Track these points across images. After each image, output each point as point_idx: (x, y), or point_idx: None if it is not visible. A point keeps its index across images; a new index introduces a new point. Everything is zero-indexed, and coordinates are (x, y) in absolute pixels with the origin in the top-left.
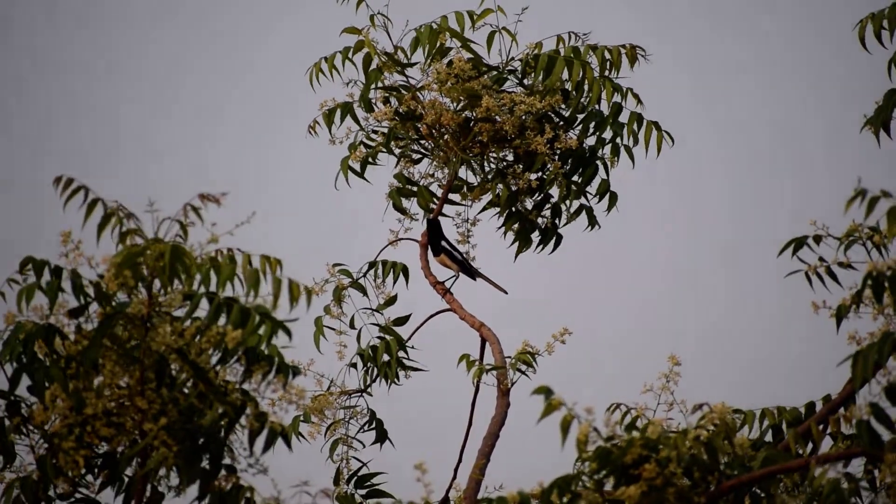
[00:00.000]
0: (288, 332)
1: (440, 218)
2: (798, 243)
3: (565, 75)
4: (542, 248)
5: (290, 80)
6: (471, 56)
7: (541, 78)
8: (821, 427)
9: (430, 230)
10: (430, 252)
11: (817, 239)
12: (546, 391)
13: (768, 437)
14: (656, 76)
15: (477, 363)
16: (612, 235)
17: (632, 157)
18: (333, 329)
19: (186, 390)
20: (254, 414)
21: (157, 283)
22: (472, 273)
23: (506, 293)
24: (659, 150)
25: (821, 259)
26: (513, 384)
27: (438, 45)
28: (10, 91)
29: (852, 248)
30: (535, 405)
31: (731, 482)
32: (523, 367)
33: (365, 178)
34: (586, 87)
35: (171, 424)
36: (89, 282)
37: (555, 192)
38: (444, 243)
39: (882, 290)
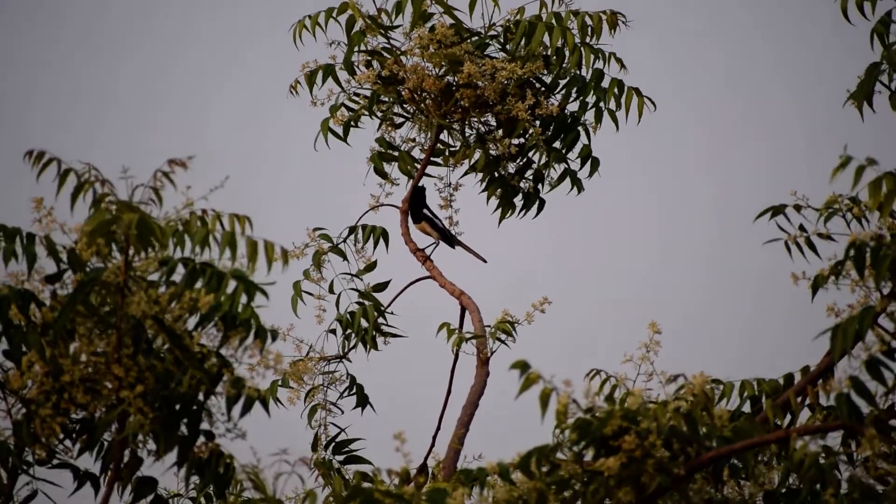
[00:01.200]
0: (265, 294)
1: (424, 182)
2: (776, 210)
3: (547, 41)
4: (526, 213)
5: (271, 41)
6: (453, 22)
7: (522, 44)
8: (799, 399)
9: (412, 196)
10: (410, 219)
11: (797, 208)
12: (523, 365)
13: (746, 408)
14: (639, 43)
15: (457, 332)
16: (594, 203)
17: (615, 121)
18: (312, 295)
19: (163, 356)
20: (230, 380)
21: (132, 250)
22: (452, 241)
23: (485, 262)
24: (640, 115)
25: (801, 228)
26: (492, 353)
27: (421, 10)
28: None
29: (832, 220)
30: (515, 374)
31: (711, 454)
32: (503, 337)
33: (345, 141)
34: (567, 53)
35: (148, 391)
36: (63, 248)
37: (537, 158)
38: (425, 210)
39: (863, 261)
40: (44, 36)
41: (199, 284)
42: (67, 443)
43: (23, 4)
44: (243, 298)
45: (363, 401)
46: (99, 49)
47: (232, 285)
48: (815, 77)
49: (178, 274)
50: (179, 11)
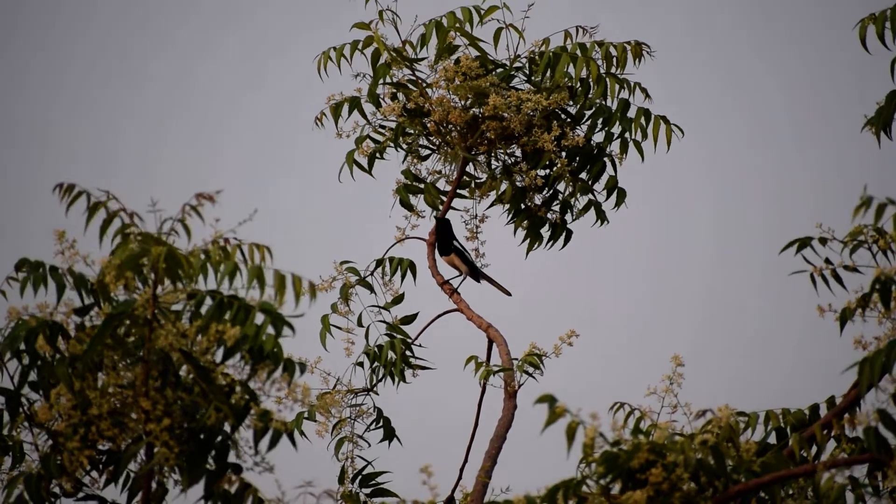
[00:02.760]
0: (291, 327)
1: (449, 215)
2: (802, 243)
3: (571, 71)
4: (553, 244)
5: (296, 74)
6: (478, 54)
7: (547, 75)
8: (825, 432)
9: (439, 229)
10: (437, 251)
11: (822, 241)
12: (550, 399)
13: (772, 439)
14: (664, 72)
15: (484, 365)
16: (620, 235)
17: (641, 152)
18: (340, 328)
19: (191, 389)
20: (258, 413)
21: (162, 282)
22: (478, 275)
23: (509, 295)
24: (669, 143)
25: (827, 261)
26: (520, 386)
27: (446, 42)
28: (11, 89)
29: (857, 252)
30: (542, 407)
31: (738, 487)
32: (530, 370)
33: (370, 173)
34: (592, 84)
35: (175, 424)
36: (91, 282)
37: (563, 188)
38: (455, 243)
39: (889, 295)
40: (59, 58)
41: (226, 317)
42: (94, 474)
43: (31, 25)
44: (270, 331)
45: (390, 434)
46: (113, 75)
47: (259, 318)
48: (831, 105)
49: (206, 306)
50: (202, 37)
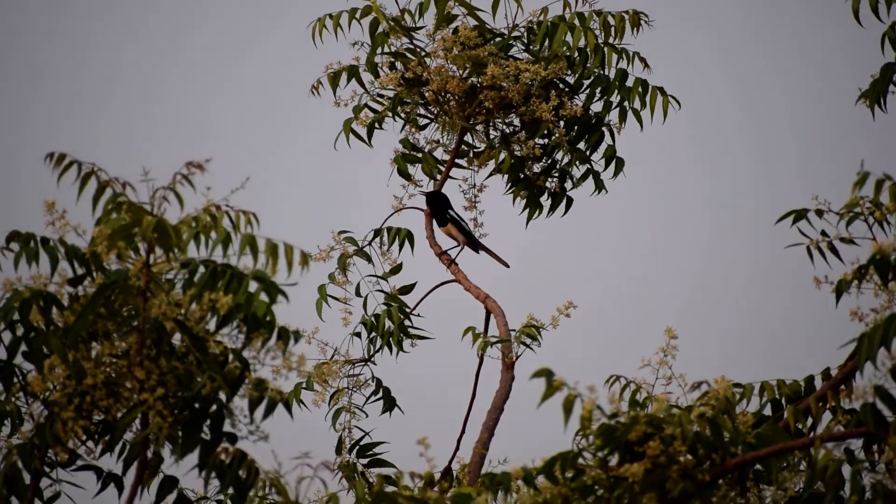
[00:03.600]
0: (285, 295)
1: (447, 184)
2: (798, 215)
3: (569, 41)
4: (553, 212)
5: (292, 42)
6: (476, 23)
7: (542, 45)
8: (820, 404)
9: (437, 200)
10: (434, 222)
11: (819, 213)
12: (547, 373)
13: (767, 410)
14: (662, 43)
15: (482, 336)
16: (617, 205)
17: (640, 121)
18: (337, 298)
19: (185, 359)
20: (253, 382)
21: (154, 251)
22: (476, 246)
23: (507, 266)
24: (665, 115)
25: (823, 233)
26: (517, 357)
27: (445, 12)
28: None
29: (853, 224)
30: (540, 379)
31: (736, 460)
32: (528, 341)
33: (366, 142)
34: (590, 53)
35: (169, 394)
36: (83, 252)
37: (561, 157)
38: (451, 213)
39: (887, 271)
40: (44, 34)
41: (219, 285)
42: (89, 444)
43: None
44: (264, 298)
45: (391, 404)
46: (104, 49)
47: (253, 287)
48: (826, 77)
49: (199, 274)
50: (196, 7)
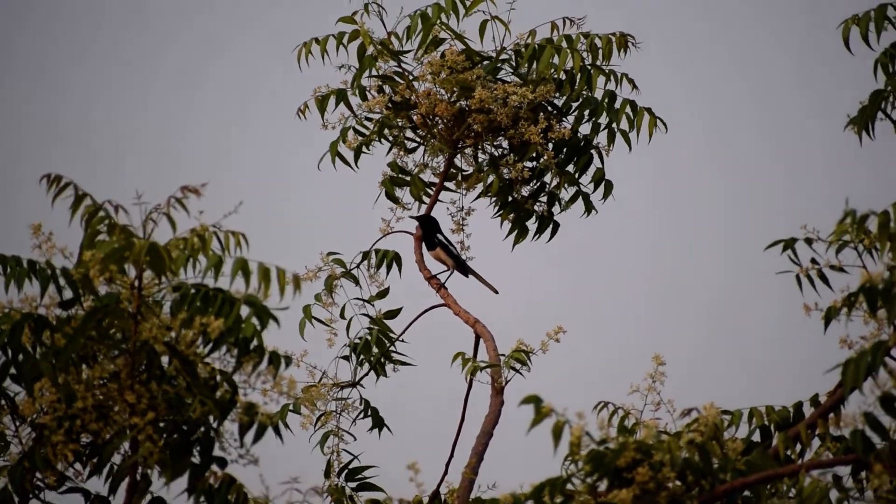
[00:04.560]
0: (276, 320)
1: (436, 207)
2: (787, 244)
3: (557, 63)
4: (540, 237)
5: (279, 62)
6: (464, 47)
7: (530, 67)
8: (809, 431)
9: (426, 224)
10: (424, 246)
11: (808, 241)
12: (535, 400)
13: (756, 437)
14: (652, 65)
15: (471, 360)
16: (604, 231)
17: (628, 142)
18: (321, 321)
19: (175, 383)
20: (243, 406)
21: (144, 274)
22: (466, 270)
23: (496, 293)
24: (650, 135)
25: (813, 261)
26: (507, 382)
27: (431, 36)
28: None
29: (842, 251)
30: (529, 404)
31: (725, 486)
32: (517, 366)
33: (351, 165)
34: (578, 76)
35: (160, 417)
36: (77, 273)
37: (550, 180)
38: (440, 237)
39: (876, 300)
40: (33, 45)
41: (210, 310)
42: (77, 466)
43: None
44: (255, 323)
45: (379, 423)
46: (99, 69)
47: (244, 311)
48: (817, 103)
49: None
50: (186, 27)
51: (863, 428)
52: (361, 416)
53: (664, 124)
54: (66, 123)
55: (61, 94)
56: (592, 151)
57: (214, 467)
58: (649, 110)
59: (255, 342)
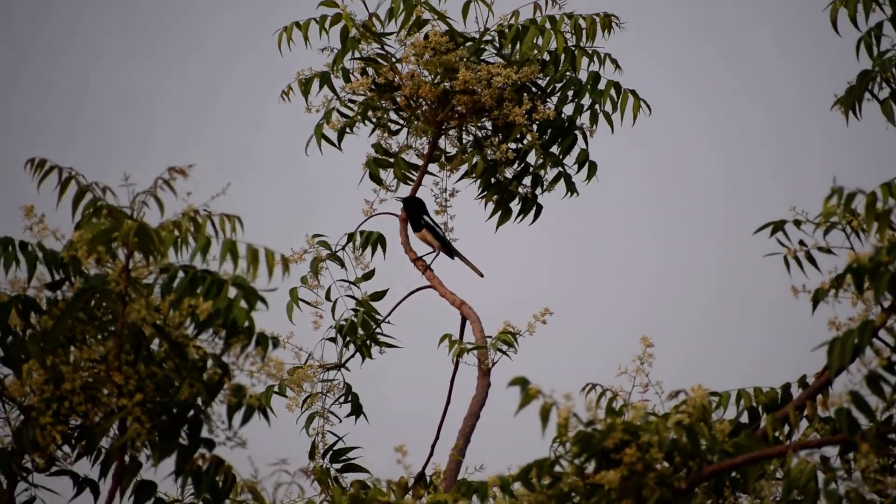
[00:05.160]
0: (264, 302)
1: (420, 189)
2: (776, 227)
3: (539, 44)
4: (523, 218)
5: (262, 47)
6: (447, 28)
7: (513, 48)
8: (797, 412)
9: (412, 205)
10: (409, 227)
11: (797, 223)
12: (522, 381)
13: (744, 418)
14: (637, 46)
15: (457, 342)
16: (593, 209)
17: (611, 124)
18: (308, 302)
19: (164, 365)
20: (231, 388)
21: (134, 256)
22: (451, 252)
23: (481, 276)
24: (634, 118)
25: (801, 243)
26: (493, 364)
27: (415, 17)
28: None
29: (830, 233)
30: (516, 387)
31: (713, 468)
32: (504, 348)
33: (337, 146)
34: (562, 56)
35: (148, 399)
36: (62, 256)
37: (534, 161)
38: (426, 218)
39: (863, 280)
40: (24, 33)
41: (198, 291)
42: (66, 449)
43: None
44: (243, 304)
45: (357, 409)
46: (88, 53)
47: (232, 292)
48: (803, 83)
49: (178, 280)
50: (172, 14)
51: (848, 407)
52: (343, 400)
53: (648, 107)
54: (50, 107)
55: (50, 79)
56: (576, 132)
57: (202, 449)
58: (633, 92)
59: (245, 324)
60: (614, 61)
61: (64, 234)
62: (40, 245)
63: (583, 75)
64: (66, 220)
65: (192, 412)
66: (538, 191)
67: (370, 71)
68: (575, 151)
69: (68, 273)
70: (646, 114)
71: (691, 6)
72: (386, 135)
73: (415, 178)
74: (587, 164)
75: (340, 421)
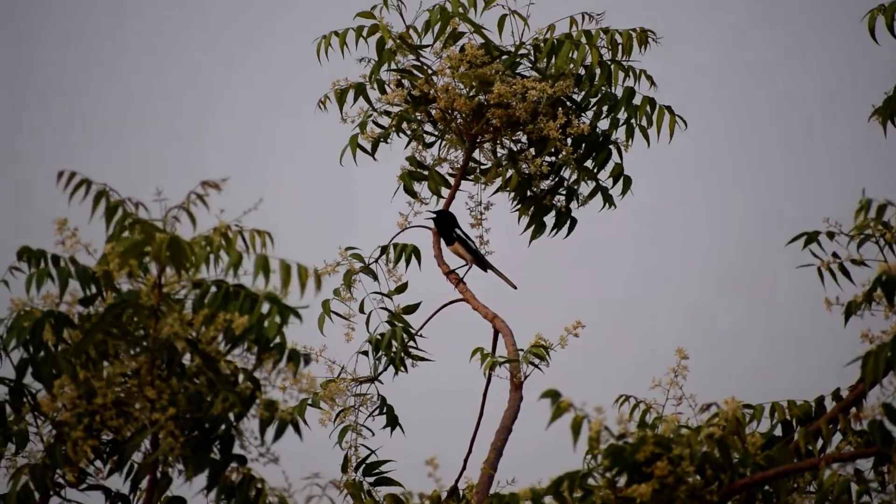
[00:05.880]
0: (298, 317)
1: (454, 202)
2: (809, 238)
3: (575, 57)
4: (557, 232)
5: (298, 55)
6: (483, 41)
7: (549, 62)
8: (830, 426)
9: (443, 219)
10: (442, 241)
11: (830, 235)
12: (554, 394)
13: (777, 431)
14: (672, 60)
15: (490, 355)
16: (625, 225)
17: (647, 138)
18: (341, 315)
19: (196, 379)
20: (263, 402)
21: (166, 271)
22: (484, 264)
23: (515, 288)
24: (671, 134)
25: (834, 255)
26: (526, 377)
27: (451, 29)
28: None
29: (864, 245)
30: (548, 399)
31: (744, 481)
32: (536, 361)
33: (371, 154)
34: (598, 71)
35: (180, 414)
36: (94, 271)
37: (568, 175)
38: (458, 232)
39: (894, 291)
40: (48, 46)
41: (232, 306)
42: (98, 464)
43: (24, 14)
44: (276, 320)
45: (393, 422)
46: (111, 64)
47: (265, 307)
48: (837, 95)
49: (210, 295)
50: (201, 21)
51: (881, 419)
52: (377, 412)
53: (684, 122)
54: (78, 121)
55: (77, 91)
56: (611, 147)
57: (234, 464)
58: (669, 108)
59: (277, 339)
60: (649, 77)
61: (96, 248)
62: (73, 259)
63: (618, 90)
64: (96, 234)
65: (223, 428)
66: (573, 204)
67: (405, 83)
68: (609, 166)
69: (100, 288)
70: (682, 129)
71: (719, 18)
72: (420, 147)
73: (449, 191)
74: (622, 177)
75: (373, 434)
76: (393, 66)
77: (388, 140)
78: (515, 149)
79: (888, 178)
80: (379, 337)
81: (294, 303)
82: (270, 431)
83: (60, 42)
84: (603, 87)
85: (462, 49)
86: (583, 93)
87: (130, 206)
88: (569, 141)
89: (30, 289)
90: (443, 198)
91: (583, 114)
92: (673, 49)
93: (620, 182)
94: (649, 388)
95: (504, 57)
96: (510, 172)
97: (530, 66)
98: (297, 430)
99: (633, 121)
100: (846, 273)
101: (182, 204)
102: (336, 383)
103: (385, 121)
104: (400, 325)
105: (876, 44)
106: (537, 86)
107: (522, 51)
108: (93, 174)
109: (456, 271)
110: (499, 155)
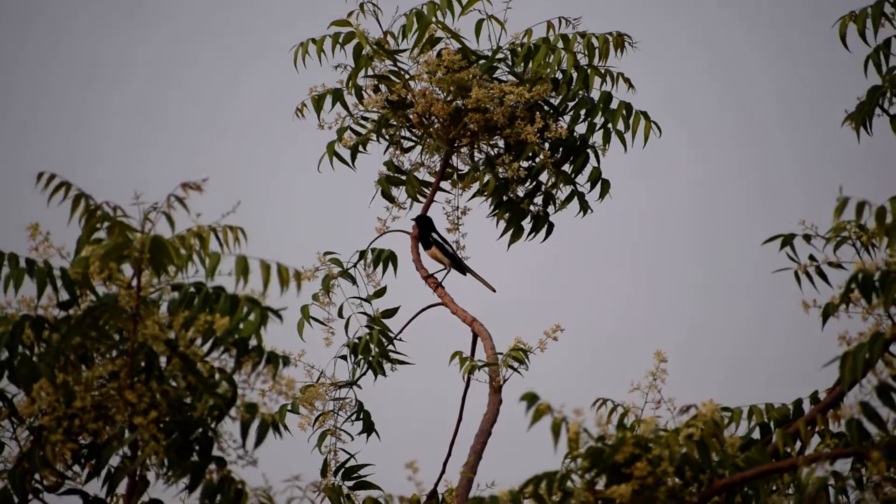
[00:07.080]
0: (279, 318)
1: (431, 206)
2: (785, 240)
3: (552, 61)
4: (534, 236)
5: (275, 64)
6: (460, 46)
7: (525, 66)
8: (809, 428)
9: (421, 223)
10: (420, 245)
11: (807, 238)
12: (532, 397)
13: (756, 434)
14: (649, 64)
15: (469, 359)
16: (603, 228)
17: (623, 143)
18: (319, 320)
19: (175, 382)
20: (244, 405)
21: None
22: (463, 268)
23: (493, 291)
24: (646, 139)
25: (811, 258)
26: (505, 381)
27: (428, 35)
28: None
29: (841, 248)
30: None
31: (723, 481)
32: (515, 364)
33: (349, 165)
34: (574, 75)
35: (161, 417)
36: (72, 274)
37: (546, 179)
38: (435, 236)
39: (871, 290)
40: (44, 57)
41: (213, 308)
42: (76, 468)
43: (12, 20)
44: (252, 319)
45: (369, 427)
46: (98, 70)
47: (245, 310)
48: (811, 100)
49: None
50: (183, 31)
51: (859, 418)
52: (354, 418)
53: (658, 128)
54: (58, 123)
55: (66, 93)
56: (589, 151)
57: (213, 466)
58: (645, 114)
59: (254, 342)
60: (627, 80)
61: (69, 252)
62: (46, 263)
63: (596, 94)
64: (68, 238)
65: (201, 431)
66: (550, 209)
67: (383, 88)
68: (587, 169)
69: (73, 292)
70: (656, 135)
71: (697, 23)
72: (398, 152)
73: (426, 195)
74: (600, 181)
75: (353, 438)
76: (370, 71)
77: (366, 148)
78: (493, 153)
79: (867, 181)
80: (356, 341)
81: (273, 305)
82: (251, 435)
83: (52, 49)
84: (580, 92)
85: (439, 54)
86: (560, 97)
87: (109, 209)
88: (546, 145)
89: (7, 290)
90: (420, 202)
91: (560, 118)
92: (653, 52)
93: (598, 186)
94: (628, 392)
95: (481, 62)
96: (487, 177)
97: (507, 70)
98: (278, 430)
99: (609, 125)
100: (823, 276)
101: (157, 205)
102: (315, 388)
103: (363, 127)
104: (378, 329)
105: (847, 51)
106: (515, 90)
107: (499, 55)
108: (72, 179)
109: (434, 275)
110: (476, 159)
